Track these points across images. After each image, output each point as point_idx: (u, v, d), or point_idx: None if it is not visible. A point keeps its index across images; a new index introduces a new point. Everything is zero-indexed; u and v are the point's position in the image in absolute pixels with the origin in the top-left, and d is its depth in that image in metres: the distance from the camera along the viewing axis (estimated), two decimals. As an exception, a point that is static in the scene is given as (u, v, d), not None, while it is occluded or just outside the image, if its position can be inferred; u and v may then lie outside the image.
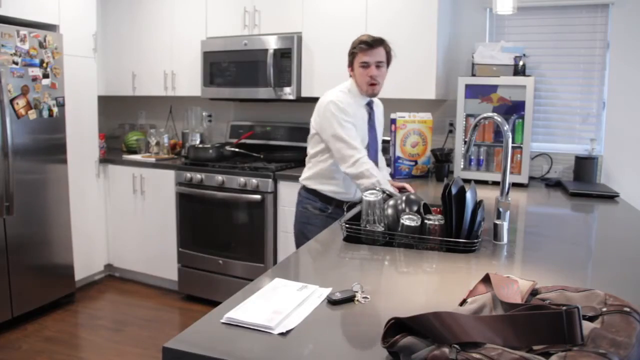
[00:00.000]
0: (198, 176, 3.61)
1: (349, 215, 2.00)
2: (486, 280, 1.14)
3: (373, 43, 2.36)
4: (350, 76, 2.48)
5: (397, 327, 0.91)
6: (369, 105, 2.53)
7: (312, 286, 1.28)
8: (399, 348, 0.87)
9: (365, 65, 2.37)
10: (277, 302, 1.16)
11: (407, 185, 2.52)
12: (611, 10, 3.16)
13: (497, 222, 1.76)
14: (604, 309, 0.95)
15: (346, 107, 2.37)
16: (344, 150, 2.34)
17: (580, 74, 3.28)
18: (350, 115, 2.38)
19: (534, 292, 1.10)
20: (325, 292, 1.24)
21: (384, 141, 3.42)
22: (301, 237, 2.54)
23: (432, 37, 3.22)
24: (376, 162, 2.51)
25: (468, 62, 3.35)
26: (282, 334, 1.02)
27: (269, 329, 1.04)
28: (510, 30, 3.41)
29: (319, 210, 2.51)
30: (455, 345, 0.84)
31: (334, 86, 3.62)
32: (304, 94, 3.58)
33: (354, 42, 2.43)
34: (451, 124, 3.51)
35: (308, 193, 2.55)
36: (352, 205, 2.23)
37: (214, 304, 1.20)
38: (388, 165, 3.38)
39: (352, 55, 2.42)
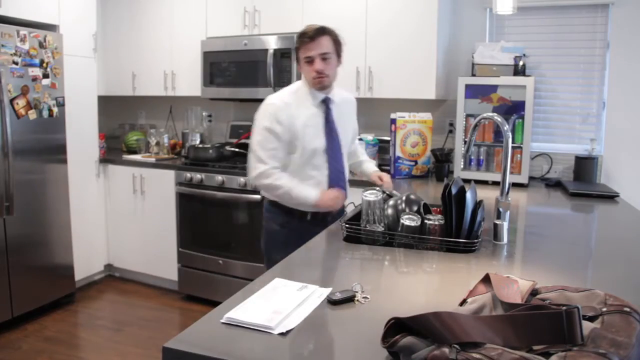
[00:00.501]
0: (198, 176, 3.61)
1: (348, 215, 2.00)
2: (486, 280, 1.14)
3: (314, 35, 2.11)
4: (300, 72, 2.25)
5: (397, 327, 0.91)
6: (326, 102, 2.23)
7: (312, 286, 1.28)
8: (399, 348, 0.87)
9: (309, 60, 2.13)
10: (277, 302, 1.16)
11: (385, 175, 2.41)
12: (611, 10, 3.16)
13: (497, 222, 1.76)
14: (604, 309, 0.95)
15: (277, 112, 2.13)
16: (251, 161, 2.17)
17: (580, 74, 3.28)
18: (281, 121, 2.12)
19: (534, 292, 1.10)
20: (325, 292, 1.24)
21: (383, 141, 3.45)
22: (266, 260, 2.33)
23: (432, 37, 3.22)
24: (340, 168, 2.28)
25: (468, 62, 3.35)
26: (282, 334, 1.02)
27: (269, 329, 1.04)
28: (510, 30, 3.41)
29: (280, 225, 2.27)
30: (455, 345, 0.84)
31: (335, 86, 3.66)
32: (304, 94, 3.58)
33: (296, 36, 2.19)
34: (451, 124, 3.51)
35: (269, 206, 2.31)
36: (321, 214, 2.17)
37: (214, 304, 1.20)
38: (388, 165, 3.38)
39: (296, 50, 2.18)
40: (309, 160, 2.20)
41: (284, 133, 2.12)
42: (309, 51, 2.11)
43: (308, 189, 2.17)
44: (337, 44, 2.20)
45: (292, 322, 1.08)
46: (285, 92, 2.22)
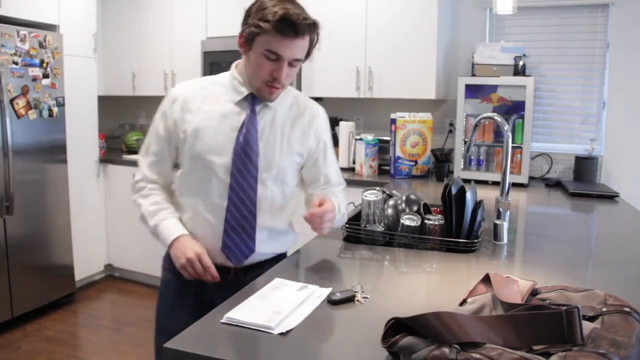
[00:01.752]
0: (198, 176, 3.61)
1: (348, 215, 1.99)
2: (486, 280, 1.14)
3: (303, 31, 1.38)
4: (242, 55, 1.48)
5: (397, 327, 0.91)
6: (251, 101, 1.48)
7: (312, 286, 1.28)
8: (399, 348, 0.87)
9: (274, 59, 1.39)
10: (277, 302, 1.16)
11: (318, 210, 1.45)
12: (611, 10, 3.16)
13: (497, 222, 1.76)
14: (604, 309, 0.95)
15: (176, 102, 1.48)
16: (139, 166, 1.60)
17: (580, 74, 3.28)
18: (175, 115, 1.48)
19: (534, 292, 1.10)
20: (326, 292, 1.24)
21: (383, 141, 3.44)
22: (155, 326, 1.61)
23: (432, 37, 3.21)
24: (250, 204, 1.47)
25: (468, 62, 3.35)
26: (282, 334, 1.02)
27: (269, 329, 1.03)
28: (510, 30, 3.41)
29: (174, 274, 1.51)
30: (455, 345, 0.84)
31: (335, 86, 3.65)
32: (304, 93, 3.57)
33: (264, 12, 1.36)
34: (451, 124, 3.50)
35: (165, 254, 1.56)
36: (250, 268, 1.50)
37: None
38: (388, 165, 3.38)
39: (256, 31, 1.37)
40: (199, 183, 1.47)
41: (170, 134, 1.49)
42: (281, 47, 1.37)
43: (173, 224, 1.48)
44: (312, 45, 1.51)
45: (292, 322, 1.07)
46: (200, 79, 1.58)
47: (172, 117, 1.48)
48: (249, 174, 1.46)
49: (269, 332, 1.03)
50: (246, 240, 1.48)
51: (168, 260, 1.52)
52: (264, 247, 1.53)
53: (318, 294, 1.23)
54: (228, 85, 1.50)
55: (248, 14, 1.42)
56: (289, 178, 1.56)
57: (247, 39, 1.41)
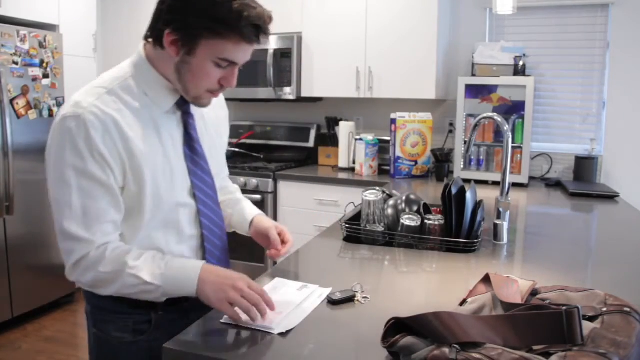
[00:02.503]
0: (198, 176, 3.60)
1: (348, 215, 2.00)
2: (486, 280, 1.14)
3: (265, 34, 1.12)
4: (152, 43, 1.16)
5: (397, 327, 0.91)
6: (184, 107, 1.22)
7: (313, 286, 1.28)
8: (399, 348, 0.87)
9: (226, 66, 1.13)
10: (277, 302, 1.16)
11: (286, 234, 1.40)
12: (611, 10, 3.16)
13: (497, 222, 1.76)
14: (604, 309, 0.95)
15: (95, 133, 1.07)
16: (59, 240, 1.14)
17: (580, 74, 3.28)
18: (103, 151, 1.07)
19: (534, 292, 1.10)
20: (326, 292, 1.24)
21: (383, 141, 3.44)
22: None
23: (432, 37, 3.22)
24: (219, 223, 1.30)
25: (468, 62, 3.35)
26: (282, 334, 1.02)
27: (269, 329, 1.03)
28: (510, 30, 3.41)
29: (132, 332, 1.22)
30: (455, 345, 0.84)
31: (335, 86, 3.66)
32: (304, 94, 3.58)
33: (215, 9, 1.05)
34: (451, 124, 3.50)
35: (99, 301, 1.23)
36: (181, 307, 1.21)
37: (214, 304, 1.19)
38: (388, 165, 3.38)
39: (205, 34, 1.07)
40: (163, 222, 1.18)
41: (114, 174, 1.10)
42: (239, 54, 1.12)
43: (184, 261, 1.16)
44: None
45: (293, 322, 1.07)
46: (103, 91, 1.12)
47: (111, 152, 1.07)
48: (209, 189, 1.27)
49: (269, 332, 1.03)
50: (225, 262, 1.30)
51: (112, 318, 1.21)
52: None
53: (318, 293, 1.23)
54: (148, 91, 1.16)
55: (177, 3, 1.07)
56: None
57: (185, 41, 1.08)
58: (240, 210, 1.46)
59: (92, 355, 1.29)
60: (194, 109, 1.24)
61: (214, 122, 1.35)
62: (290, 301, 1.18)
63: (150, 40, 1.15)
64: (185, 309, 1.17)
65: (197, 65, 1.10)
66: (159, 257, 1.13)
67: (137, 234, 1.16)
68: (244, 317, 1.06)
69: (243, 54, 1.13)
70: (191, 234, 1.23)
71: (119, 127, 1.09)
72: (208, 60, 1.10)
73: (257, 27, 1.08)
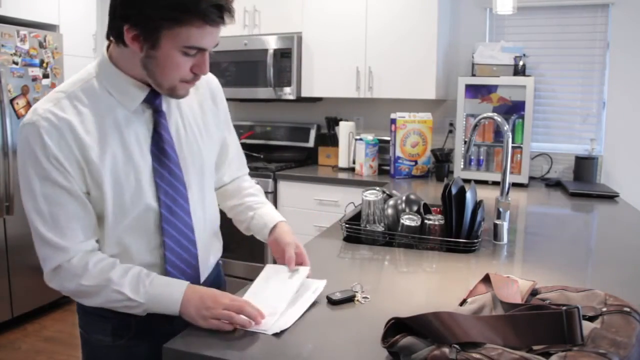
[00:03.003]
0: (198, 176, 3.60)
1: (348, 215, 2.00)
2: (486, 280, 1.14)
3: (233, 13, 1.06)
4: (113, 42, 1.12)
5: (397, 327, 0.91)
6: (153, 103, 1.15)
7: (304, 269, 1.24)
8: (399, 348, 0.87)
9: (194, 53, 1.07)
10: (270, 300, 1.14)
11: (303, 255, 1.30)
12: (611, 10, 3.16)
13: (497, 222, 1.76)
14: (604, 309, 0.95)
15: (50, 139, 1.04)
16: (37, 246, 1.12)
17: (580, 74, 3.28)
18: (60, 158, 1.04)
19: (534, 292, 1.10)
20: (321, 285, 1.23)
21: (383, 141, 3.44)
22: None
23: (432, 37, 3.22)
24: (189, 235, 1.20)
25: (468, 62, 3.35)
26: (276, 334, 1.02)
27: (263, 331, 1.03)
28: (510, 30, 3.41)
29: (112, 335, 1.22)
30: (455, 345, 0.84)
31: (335, 86, 3.66)
32: (304, 94, 3.58)
33: None
34: (451, 124, 3.50)
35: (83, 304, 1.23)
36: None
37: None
38: (388, 165, 3.38)
39: (165, 24, 1.02)
40: (132, 226, 1.14)
41: (75, 179, 1.07)
42: (205, 39, 1.05)
43: (169, 280, 1.13)
44: None
45: (286, 322, 1.07)
46: (61, 96, 1.08)
47: (67, 158, 1.04)
48: (178, 195, 1.17)
49: (265, 333, 1.03)
50: (191, 275, 1.22)
51: (99, 321, 1.21)
52: (205, 270, 1.31)
53: (313, 288, 1.22)
54: (112, 89, 1.10)
55: (146, 12, 1.01)
56: (212, 180, 1.33)
57: (146, 35, 1.02)
58: (262, 214, 1.37)
59: (82, 354, 1.32)
60: (167, 107, 1.17)
61: (198, 116, 1.25)
62: (284, 295, 1.15)
63: (111, 39, 1.10)
64: (167, 315, 1.10)
65: (163, 58, 1.05)
66: (144, 274, 1.10)
67: (107, 239, 1.13)
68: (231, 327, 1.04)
69: (210, 37, 1.05)
70: (159, 242, 1.16)
71: (75, 133, 1.05)
72: (174, 51, 1.04)
73: (219, 6, 1.01)
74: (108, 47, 1.14)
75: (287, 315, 1.10)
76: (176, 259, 1.18)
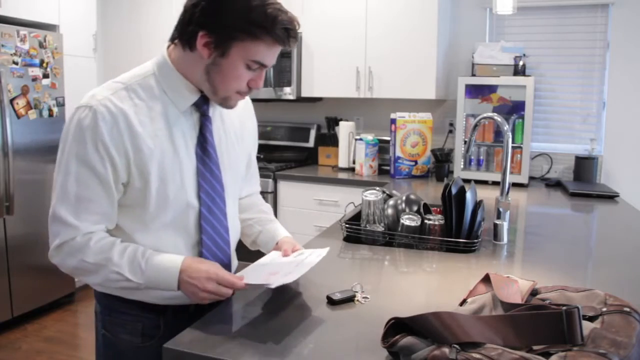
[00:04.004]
0: (198, 176, 3.60)
1: (348, 215, 2.00)
2: (486, 280, 1.14)
3: (296, 36, 1.16)
4: (178, 45, 1.17)
5: (397, 327, 0.91)
6: (202, 108, 1.22)
7: (308, 250, 1.32)
8: (399, 348, 0.87)
9: (256, 68, 1.16)
10: (271, 265, 1.24)
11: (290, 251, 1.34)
12: (611, 10, 3.16)
13: (497, 222, 1.76)
14: (604, 309, 0.95)
15: (102, 126, 1.10)
16: (53, 224, 1.22)
17: (580, 74, 3.28)
18: (108, 144, 1.10)
19: (534, 292, 1.10)
20: (324, 252, 1.30)
21: (383, 141, 3.44)
22: None
23: (432, 37, 3.22)
24: (224, 232, 1.28)
25: (468, 62, 3.35)
26: (274, 341, 1.02)
27: (267, 285, 1.11)
28: (510, 30, 3.41)
29: (141, 335, 1.23)
30: (455, 345, 0.84)
31: (335, 86, 3.66)
32: (304, 94, 3.58)
33: (251, 13, 1.09)
34: (451, 124, 3.50)
35: (110, 302, 1.25)
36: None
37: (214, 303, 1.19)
38: (388, 165, 3.38)
39: (240, 36, 1.10)
40: (172, 223, 1.20)
41: (115, 168, 1.12)
42: (269, 57, 1.16)
43: (164, 259, 1.15)
44: None
45: (290, 277, 1.14)
46: (120, 86, 1.16)
47: (116, 146, 1.10)
48: (217, 195, 1.24)
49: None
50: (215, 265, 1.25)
51: (125, 318, 1.22)
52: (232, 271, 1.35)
53: (317, 253, 1.28)
54: (167, 89, 1.17)
55: (211, 6, 1.10)
56: (239, 188, 1.39)
57: (219, 43, 1.11)
58: (271, 230, 1.44)
59: (99, 356, 1.30)
60: (213, 113, 1.25)
61: (237, 128, 1.34)
62: (288, 262, 1.24)
63: (176, 42, 1.17)
64: (194, 314, 1.16)
65: (228, 67, 1.13)
66: (140, 253, 1.14)
67: (145, 234, 1.18)
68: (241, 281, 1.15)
69: (273, 56, 1.16)
70: (197, 239, 1.22)
71: (129, 122, 1.11)
72: (240, 62, 1.13)
73: (289, 30, 1.12)
74: (168, 47, 1.20)
75: (290, 274, 1.15)
76: (212, 257, 1.24)
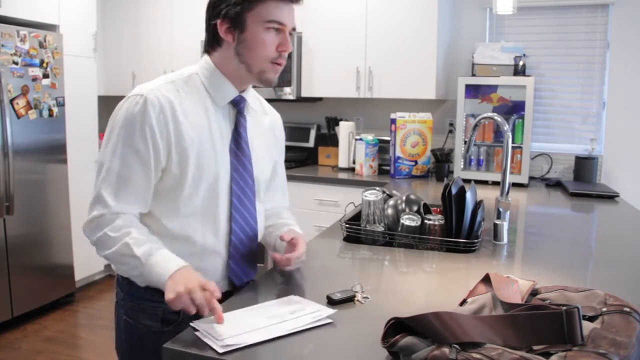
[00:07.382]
0: (198, 176, 3.60)
1: (348, 215, 2.00)
2: (486, 280, 1.14)
3: None
4: (211, 48, 1.30)
5: (397, 327, 0.91)
6: (238, 105, 1.33)
7: (315, 306, 1.14)
8: (399, 348, 0.87)
9: (277, 28, 1.24)
10: (246, 318, 1.07)
11: (300, 245, 1.35)
12: (611, 10, 3.16)
13: (497, 222, 1.76)
14: (604, 309, 0.95)
15: (151, 114, 1.20)
16: (93, 199, 1.23)
17: (580, 74, 3.28)
18: (154, 130, 1.20)
19: (534, 292, 1.10)
20: (325, 312, 1.11)
21: (383, 141, 3.44)
22: None
23: (432, 37, 3.22)
24: (252, 221, 1.36)
25: (468, 62, 3.35)
26: (275, 341, 0.99)
27: (215, 341, 0.97)
28: (510, 30, 3.41)
29: (161, 321, 1.28)
30: (455, 345, 0.84)
31: (335, 86, 3.66)
32: (304, 94, 3.58)
33: None
34: (451, 124, 3.50)
35: (134, 289, 1.29)
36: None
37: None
38: (388, 165, 3.38)
39: (248, 6, 1.21)
40: (202, 210, 1.27)
41: (157, 153, 1.21)
42: (283, 14, 1.23)
43: (170, 259, 1.18)
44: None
45: (243, 340, 0.97)
46: (167, 80, 1.28)
47: (161, 131, 1.20)
48: (249, 188, 1.33)
49: (213, 347, 0.96)
50: (246, 269, 1.36)
51: (148, 305, 1.27)
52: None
53: (314, 315, 1.09)
54: (209, 86, 1.28)
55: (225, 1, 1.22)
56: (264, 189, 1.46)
57: (234, 21, 1.21)
58: (289, 232, 1.41)
59: (120, 342, 1.38)
60: (247, 113, 1.35)
61: (269, 136, 1.44)
62: (257, 322, 1.06)
63: (209, 49, 1.30)
64: None
65: (251, 38, 1.23)
66: (155, 240, 1.21)
67: (174, 220, 1.25)
68: (205, 327, 1.02)
69: (286, 13, 1.24)
70: (226, 228, 1.30)
71: (174, 110, 1.22)
72: (259, 28, 1.22)
73: None
74: (208, 54, 1.32)
75: (249, 335, 1.00)
76: (240, 245, 1.33)
